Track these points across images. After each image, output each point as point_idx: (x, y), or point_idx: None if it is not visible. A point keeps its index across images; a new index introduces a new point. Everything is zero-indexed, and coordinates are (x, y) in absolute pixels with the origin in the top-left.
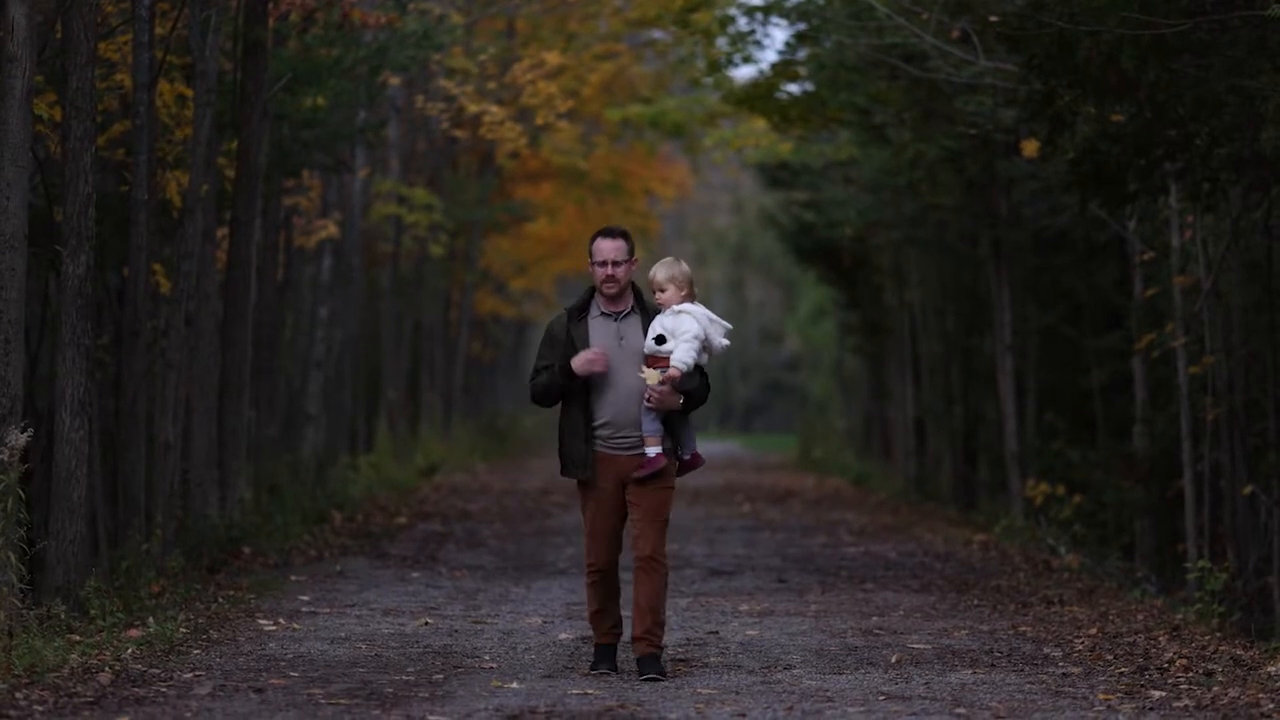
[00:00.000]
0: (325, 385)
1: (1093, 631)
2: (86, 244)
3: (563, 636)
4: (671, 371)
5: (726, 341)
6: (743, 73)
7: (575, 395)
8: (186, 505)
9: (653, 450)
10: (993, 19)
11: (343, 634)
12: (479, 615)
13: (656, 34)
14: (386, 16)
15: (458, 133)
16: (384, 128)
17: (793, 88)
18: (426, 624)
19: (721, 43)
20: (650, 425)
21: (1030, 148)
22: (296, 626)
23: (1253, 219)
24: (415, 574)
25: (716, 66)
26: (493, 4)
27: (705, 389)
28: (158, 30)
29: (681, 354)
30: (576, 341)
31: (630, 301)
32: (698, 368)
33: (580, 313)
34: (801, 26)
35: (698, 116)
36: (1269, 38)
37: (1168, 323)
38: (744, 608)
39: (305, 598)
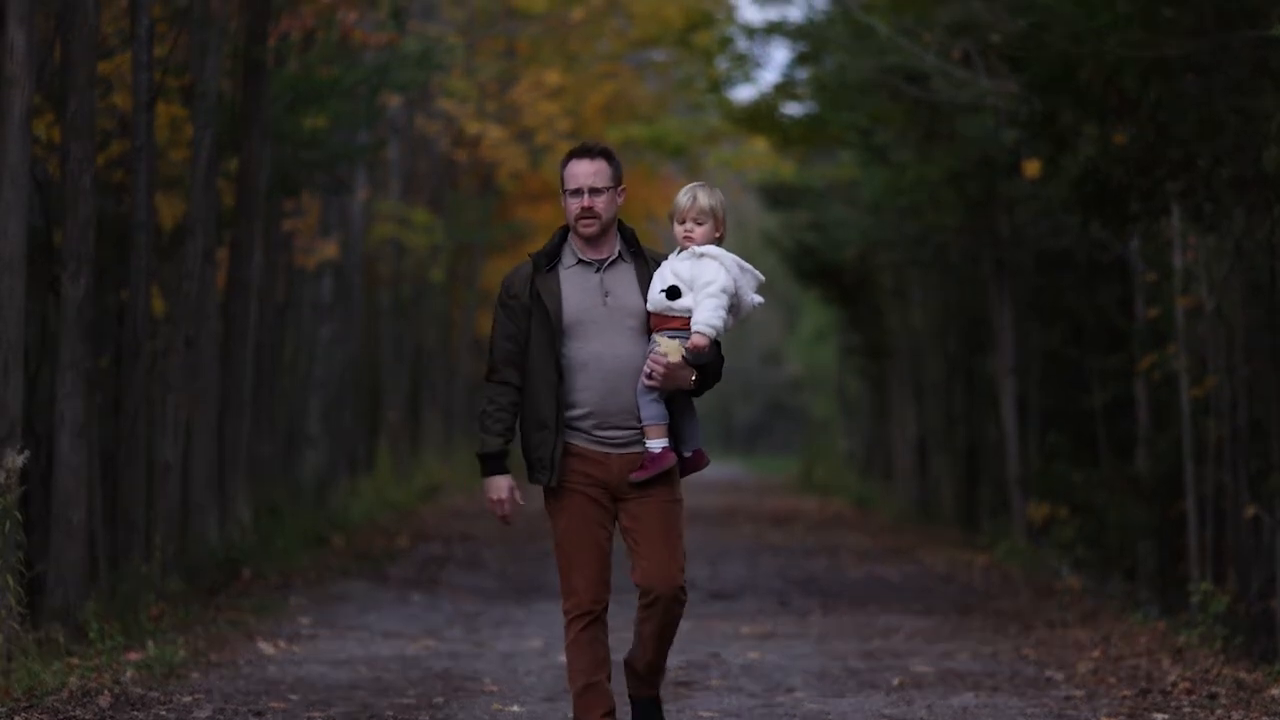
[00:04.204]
0: (325, 406)
1: (1095, 654)
2: (86, 266)
3: (563, 659)
4: (696, 339)
5: (760, 299)
6: (743, 92)
7: (542, 373)
8: (186, 527)
9: (657, 444)
10: (994, 39)
11: (343, 657)
12: (479, 638)
13: (657, 55)
14: (387, 36)
15: (458, 153)
16: (384, 148)
17: (794, 108)
18: (427, 647)
19: (722, 63)
20: (652, 410)
21: (1032, 168)
22: (296, 649)
23: (1255, 240)
24: (416, 596)
25: (717, 86)
26: (493, 24)
27: (719, 363)
28: (156, 51)
29: (708, 314)
30: (545, 300)
31: (616, 245)
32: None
33: (549, 261)
34: (803, 47)
35: (698, 137)
36: (1270, 58)
37: (1170, 344)
38: (745, 630)
39: (305, 620)
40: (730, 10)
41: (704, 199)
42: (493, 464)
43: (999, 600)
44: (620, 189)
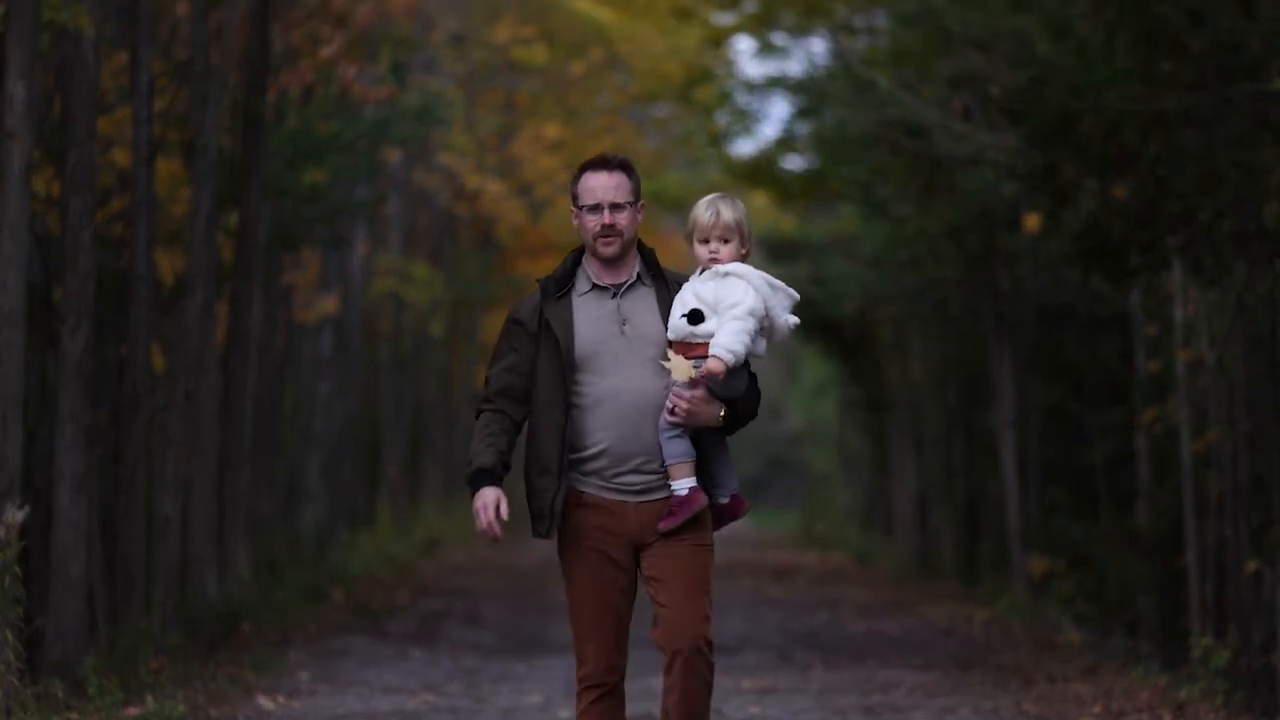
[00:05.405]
0: (325, 461)
1: (1097, 709)
2: (85, 320)
3: (563, 715)
4: (711, 364)
5: (795, 319)
6: (744, 146)
7: (549, 411)
8: (185, 581)
9: (684, 485)
10: (994, 92)
11: (342, 712)
12: (479, 693)
13: (657, 109)
14: (387, 91)
15: (458, 207)
16: (384, 203)
17: (794, 162)
18: (426, 702)
19: (723, 118)
20: (675, 447)
21: (1032, 222)
22: (296, 704)
23: (1257, 294)
24: (415, 651)
25: (717, 141)
26: (493, 78)
27: (755, 396)
28: (156, 105)
29: (728, 339)
30: (556, 329)
31: (635, 267)
32: (745, 364)
33: (561, 286)
34: (803, 101)
35: (698, 191)
36: (1270, 111)
37: (1171, 397)
38: (746, 685)
39: (304, 675)
40: (730, 65)
41: (727, 213)
42: (482, 478)
43: (1000, 655)
44: (640, 204)
